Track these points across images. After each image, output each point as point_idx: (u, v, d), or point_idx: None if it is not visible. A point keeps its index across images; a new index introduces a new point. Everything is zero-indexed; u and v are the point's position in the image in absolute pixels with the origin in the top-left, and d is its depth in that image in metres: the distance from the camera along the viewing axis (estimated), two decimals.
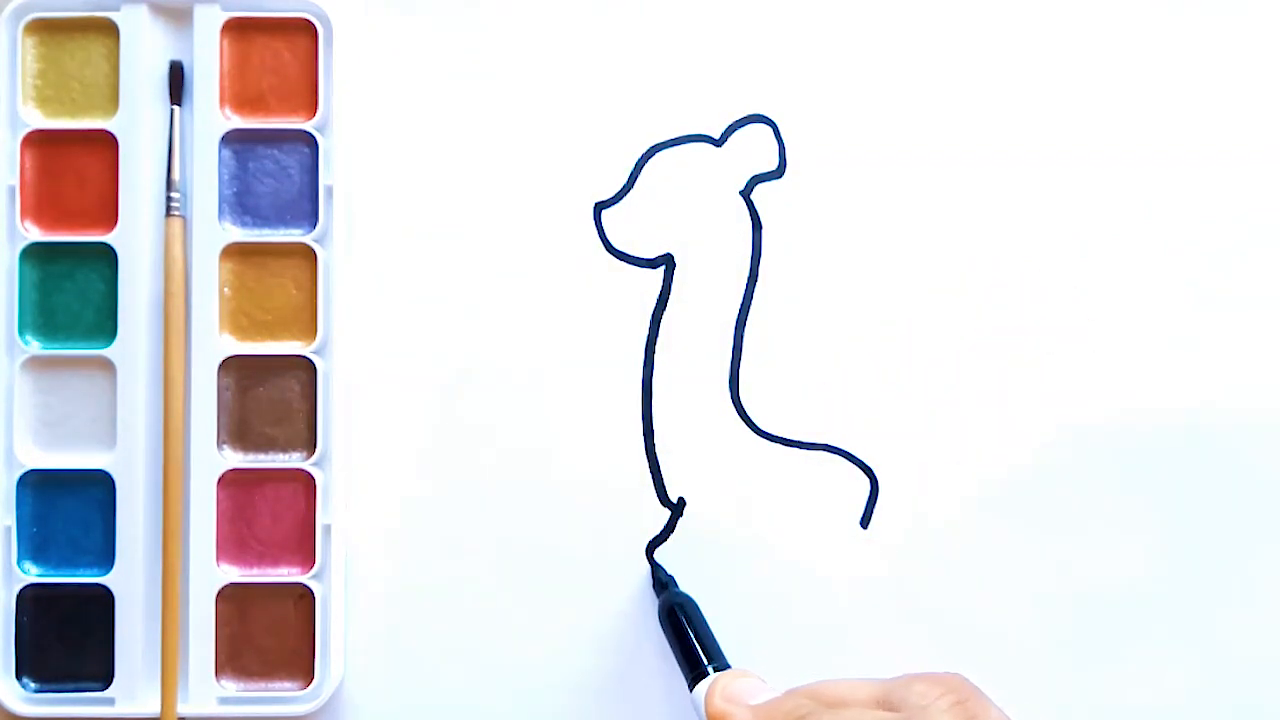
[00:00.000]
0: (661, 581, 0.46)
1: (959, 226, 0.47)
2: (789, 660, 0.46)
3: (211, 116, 0.46)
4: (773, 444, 0.46)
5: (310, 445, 0.46)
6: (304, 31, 0.46)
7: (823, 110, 0.47)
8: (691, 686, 0.42)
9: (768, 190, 0.47)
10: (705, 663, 0.42)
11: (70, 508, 0.46)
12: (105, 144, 0.46)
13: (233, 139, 0.46)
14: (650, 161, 0.47)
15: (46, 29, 0.46)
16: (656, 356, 0.47)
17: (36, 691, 0.45)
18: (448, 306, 0.47)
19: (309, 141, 0.46)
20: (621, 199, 0.47)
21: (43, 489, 0.46)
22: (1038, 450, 0.46)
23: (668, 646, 0.45)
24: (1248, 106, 0.47)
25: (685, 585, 0.46)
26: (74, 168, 0.46)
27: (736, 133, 0.47)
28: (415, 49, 0.47)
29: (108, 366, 0.46)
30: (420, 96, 0.47)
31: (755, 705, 0.38)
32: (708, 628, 0.44)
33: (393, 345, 0.46)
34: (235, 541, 0.46)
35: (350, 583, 0.46)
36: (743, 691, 0.39)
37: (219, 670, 0.45)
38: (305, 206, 0.46)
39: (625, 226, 0.47)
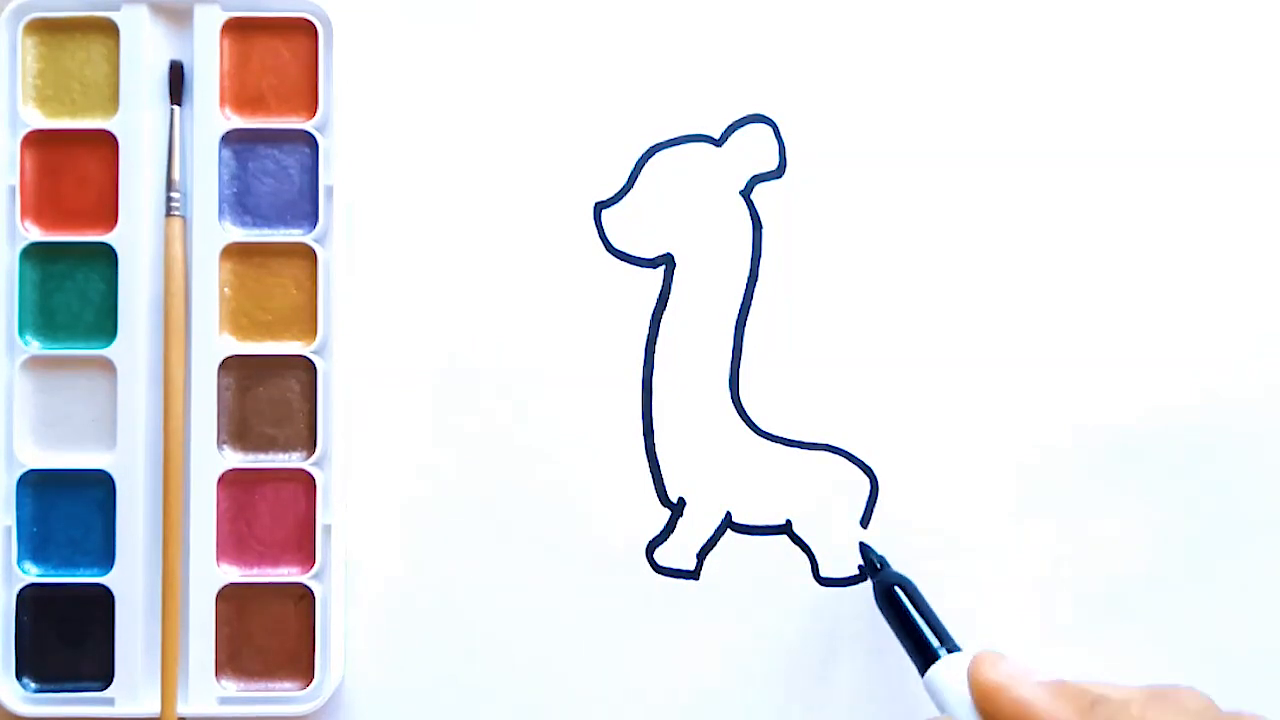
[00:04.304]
0: (874, 563, 0.44)
1: (959, 226, 0.47)
2: (788, 660, 0.46)
3: (211, 116, 0.46)
4: (773, 444, 0.46)
5: (310, 445, 0.46)
6: (304, 31, 0.46)
7: (823, 110, 0.47)
8: (923, 670, 0.40)
9: (768, 190, 0.47)
10: (936, 645, 0.40)
11: (70, 508, 0.46)
12: (105, 144, 0.46)
13: (233, 139, 0.46)
14: (650, 161, 0.47)
15: (46, 29, 0.46)
16: (656, 356, 0.47)
17: (36, 691, 0.45)
18: (448, 306, 0.47)
19: (309, 141, 0.46)
20: (621, 199, 0.47)
21: (43, 489, 0.46)
22: (1038, 450, 0.46)
23: (666, 647, 0.45)
24: (1253, 107, 0.47)
25: (686, 585, 0.46)
26: (74, 168, 0.46)
27: (736, 133, 0.47)
28: (415, 49, 0.47)
29: (108, 366, 0.46)
30: (420, 96, 0.47)
31: (1043, 683, 0.37)
32: (930, 607, 0.42)
33: (393, 345, 0.46)
34: (235, 541, 0.46)
35: (350, 583, 0.46)
36: (1022, 669, 0.37)
37: (219, 670, 0.45)
38: (305, 206, 0.46)
39: (625, 226, 0.47)
